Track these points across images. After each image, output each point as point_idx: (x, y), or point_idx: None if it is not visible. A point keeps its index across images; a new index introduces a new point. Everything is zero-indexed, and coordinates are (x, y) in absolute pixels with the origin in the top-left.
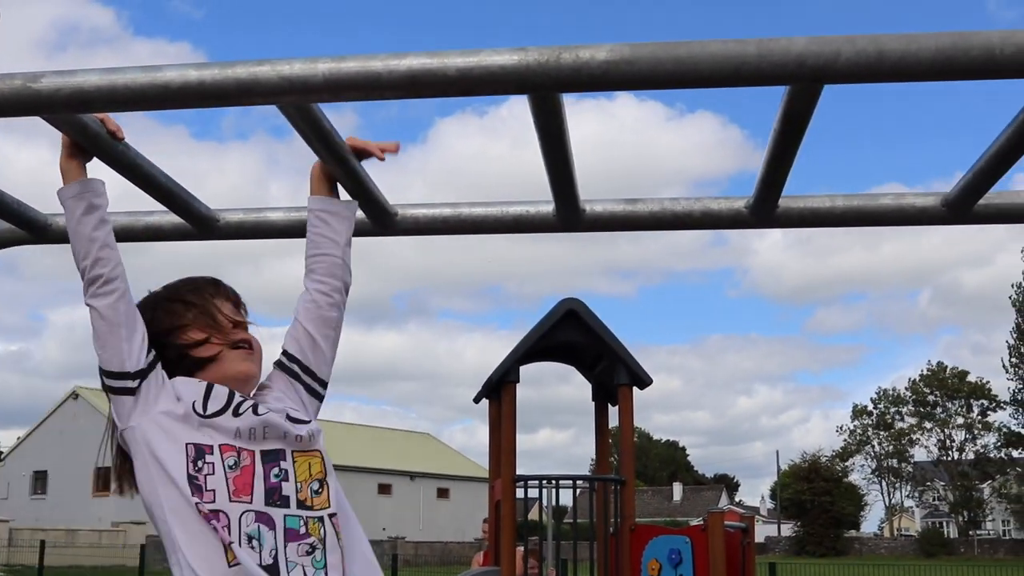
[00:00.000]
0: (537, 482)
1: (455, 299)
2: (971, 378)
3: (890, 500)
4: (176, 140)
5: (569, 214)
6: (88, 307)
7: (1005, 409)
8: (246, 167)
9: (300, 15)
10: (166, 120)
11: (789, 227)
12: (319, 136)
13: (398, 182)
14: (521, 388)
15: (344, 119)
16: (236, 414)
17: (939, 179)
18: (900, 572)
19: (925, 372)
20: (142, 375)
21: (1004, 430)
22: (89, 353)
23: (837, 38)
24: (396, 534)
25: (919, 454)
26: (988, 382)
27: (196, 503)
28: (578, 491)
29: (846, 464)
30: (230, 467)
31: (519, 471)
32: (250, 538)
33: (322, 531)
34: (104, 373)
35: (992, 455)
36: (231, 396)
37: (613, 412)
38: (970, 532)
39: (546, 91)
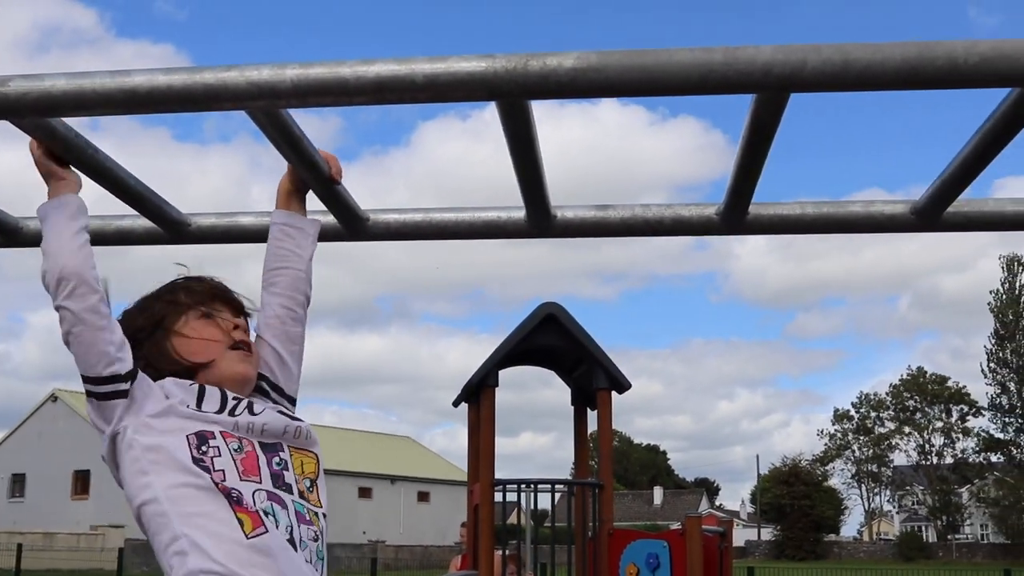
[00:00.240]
0: (515, 486)
1: (438, 302)
2: (950, 383)
3: (869, 504)
4: (158, 142)
5: (540, 220)
6: (62, 311)
7: (984, 415)
8: (228, 170)
9: (284, 18)
10: (148, 122)
11: (759, 234)
12: (288, 141)
13: (381, 185)
14: (503, 392)
15: (328, 123)
16: (232, 414)
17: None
18: None
19: (905, 377)
20: (132, 376)
21: (983, 435)
22: (67, 355)
23: (803, 47)
24: (376, 537)
25: (899, 459)
26: (964, 386)
27: (209, 478)
28: (557, 495)
29: (826, 468)
30: (235, 450)
31: (499, 475)
32: (266, 513)
33: (320, 524)
34: (91, 380)
35: (971, 459)
36: (224, 397)
37: (592, 416)
38: (949, 536)
39: (514, 98)
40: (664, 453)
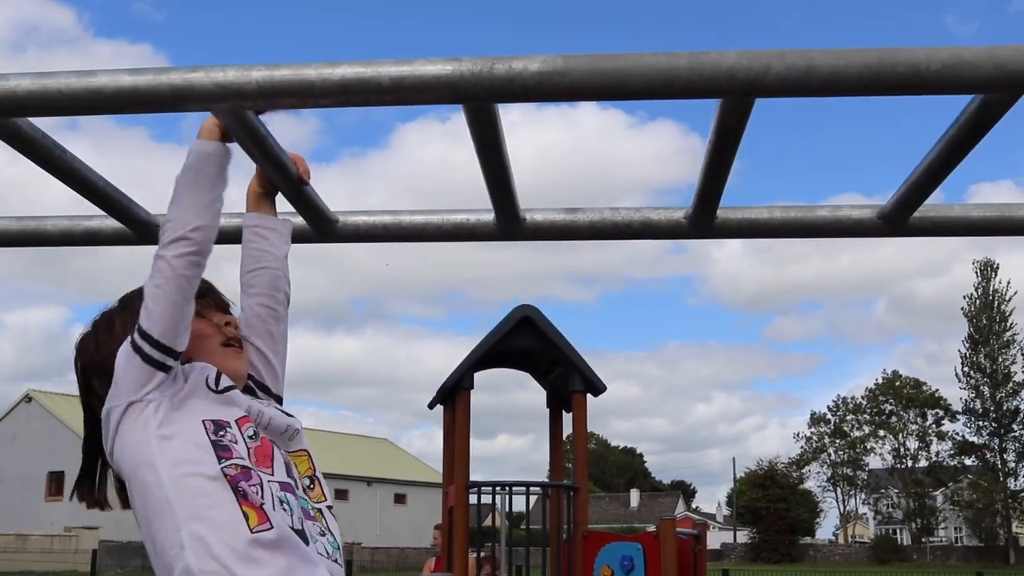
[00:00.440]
0: (490, 488)
1: (415, 304)
2: (926, 387)
3: (845, 507)
4: (135, 142)
5: (509, 223)
6: (169, 264)
7: (959, 420)
8: None
9: (262, 19)
10: (125, 122)
11: (728, 238)
12: (255, 142)
13: (359, 187)
14: (479, 394)
15: (307, 124)
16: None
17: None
18: None
19: (880, 381)
20: (178, 359)
21: (957, 439)
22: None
23: (767, 52)
24: (352, 539)
25: (874, 462)
26: (937, 390)
27: (223, 465)
28: (532, 498)
29: (802, 472)
30: (250, 437)
31: (475, 477)
32: (280, 501)
33: (324, 520)
34: (150, 340)
35: (945, 463)
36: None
37: (568, 418)
38: (923, 539)
39: (480, 101)
40: (641, 456)
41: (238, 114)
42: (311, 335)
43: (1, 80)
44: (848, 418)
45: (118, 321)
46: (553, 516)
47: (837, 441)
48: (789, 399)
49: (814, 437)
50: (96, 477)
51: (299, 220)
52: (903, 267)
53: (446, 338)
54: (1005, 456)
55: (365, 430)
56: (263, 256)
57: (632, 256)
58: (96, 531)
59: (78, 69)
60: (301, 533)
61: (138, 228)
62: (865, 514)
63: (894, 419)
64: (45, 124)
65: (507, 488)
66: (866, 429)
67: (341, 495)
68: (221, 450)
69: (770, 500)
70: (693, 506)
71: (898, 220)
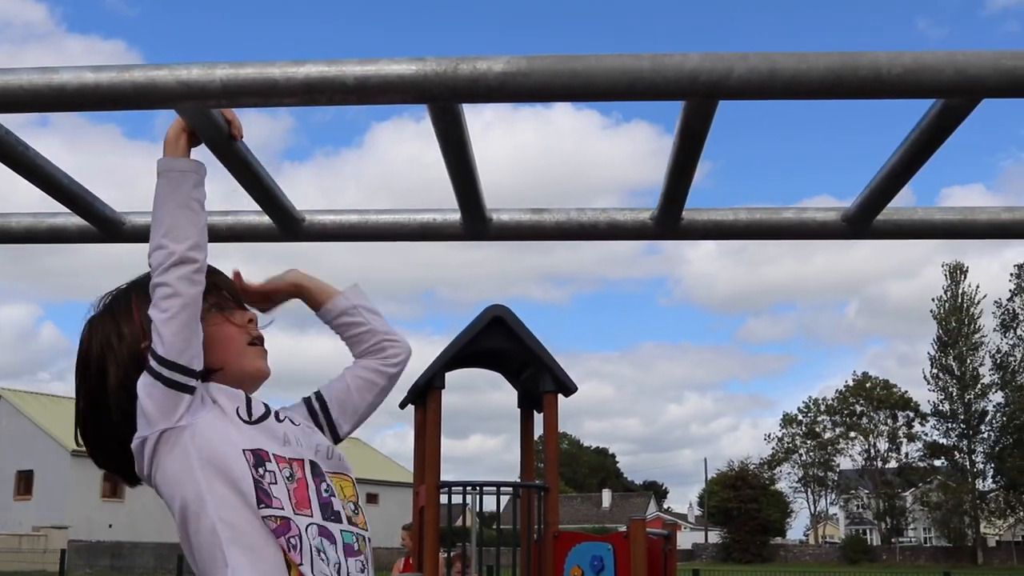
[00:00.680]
0: (461, 488)
1: (389, 303)
2: (896, 389)
3: (815, 508)
4: (107, 139)
5: (475, 223)
6: (174, 289)
7: (928, 422)
8: None
9: (236, 14)
10: (97, 119)
11: (693, 239)
12: (218, 141)
13: (332, 186)
14: (452, 394)
15: (280, 122)
16: (278, 419)
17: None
18: None
19: (851, 383)
20: (199, 378)
21: (927, 440)
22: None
23: (731, 55)
24: None
25: (844, 463)
26: (907, 392)
27: (264, 513)
28: (503, 498)
29: (773, 472)
30: (287, 478)
31: (448, 477)
32: (319, 551)
33: (366, 550)
34: (164, 362)
35: (915, 464)
36: (267, 405)
37: (539, 419)
38: (892, 539)
39: (444, 101)
40: (613, 456)
41: (202, 112)
42: (284, 335)
43: None
44: (819, 419)
45: (134, 301)
46: (524, 516)
47: (808, 442)
48: (761, 400)
49: (785, 438)
50: (125, 471)
51: (265, 219)
52: (875, 269)
53: (421, 337)
54: (974, 457)
55: None
56: (367, 336)
57: (606, 257)
58: (65, 531)
59: (42, 65)
60: None
61: (103, 225)
62: (835, 515)
63: (865, 420)
64: (9, 121)
65: (478, 488)
66: (837, 430)
67: None
68: (262, 494)
69: (741, 501)
70: (665, 506)
71: (862, 223)
